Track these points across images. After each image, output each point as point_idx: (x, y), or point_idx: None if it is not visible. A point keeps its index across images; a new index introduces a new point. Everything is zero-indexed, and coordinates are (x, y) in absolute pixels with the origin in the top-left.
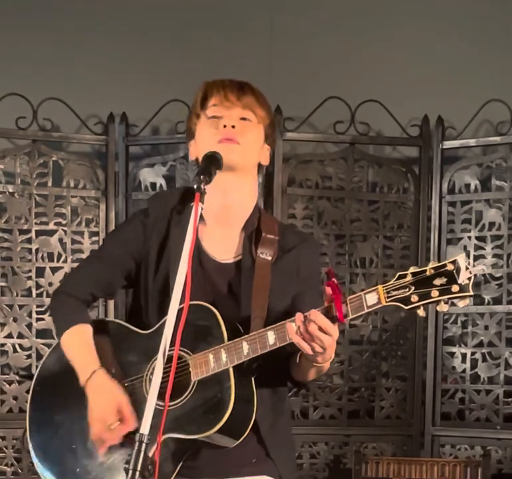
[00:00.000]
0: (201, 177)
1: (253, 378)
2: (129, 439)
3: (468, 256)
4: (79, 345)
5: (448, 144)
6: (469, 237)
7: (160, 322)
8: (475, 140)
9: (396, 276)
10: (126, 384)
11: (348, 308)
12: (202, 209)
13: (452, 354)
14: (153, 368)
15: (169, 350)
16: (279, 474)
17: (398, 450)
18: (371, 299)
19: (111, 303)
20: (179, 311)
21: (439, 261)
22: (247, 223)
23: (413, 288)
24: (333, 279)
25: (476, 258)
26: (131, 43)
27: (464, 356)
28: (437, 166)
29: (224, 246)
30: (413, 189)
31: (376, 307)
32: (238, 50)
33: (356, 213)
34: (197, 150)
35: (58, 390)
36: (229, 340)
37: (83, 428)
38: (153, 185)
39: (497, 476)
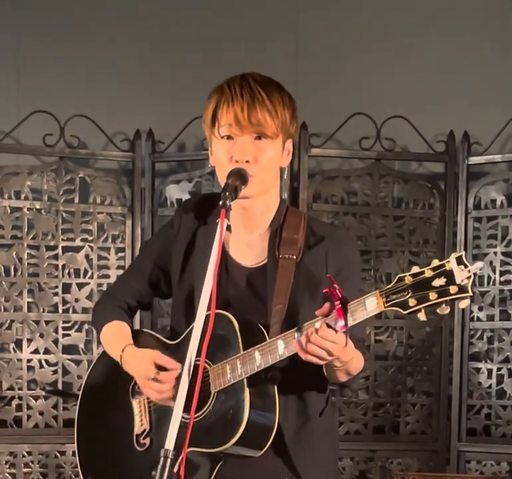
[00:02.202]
0: (227, 193)
1: (275, 386)
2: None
3: (494, 272)
4: (112, 335)
5: (474, 160)
6: (495, 253)
7: (185, 333)
8: (501, 155)
9: (396, 279)
10: None
11: (348, 315)
12: (228, 224)
13: (478, 369)
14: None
15: (195, 361)
16: None
17: (424, 466)
18: (370, 304)
19: (137, 319)
20: (204, 321)
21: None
22: (271, 225)
23: (411, 291)
24: (335, 285)
25: (502, 273)
26: (157, 60)
27: (490, 371)
28: (462, 182)
29: (250, 251)
30: (439, 204)
31: (376, 313)
32: (264, 66)
33: (381, 228)
34: (214, 162)
35: (102, 404)
36: (251, 347)
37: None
38: (179, 201)
39: None
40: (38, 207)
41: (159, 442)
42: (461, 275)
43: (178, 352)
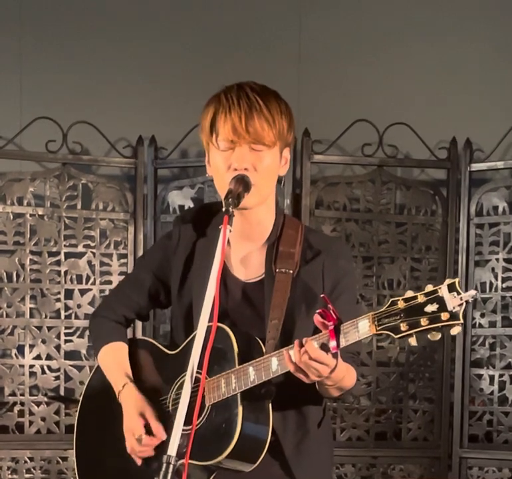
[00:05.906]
0: (230, 200)
1: (269, 401)
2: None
3: (496, 278)
4: (112, 362)
5: (476, 167)
6: (497, 259)
7: (184, 344)
8: (503, 162)
9: (389, 302)
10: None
11: (341, 337)
12: (230, 231)
13: (480, 376)
14: (176, 391)
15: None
16: None
17: (426, 472)
18: (363, 327)
19: (139, 325)
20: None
21: (466, 283)
22: (269, 238)
23: (403, 315)
24: (329, 306)
25: (504, 280)
26: (160, 66)
27: (492, 378)
28: (465, 188)
29: (248, 265)
30: (441, 211)
31: (368, 335)
32: (267, 73)
33: (383, 235)
34: (212, 171)
35: (101, 411)
36: (248, 362)
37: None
38: (182, 207)
39: None
40: (40, 213)
41: (153, 452)
42: (452, 302)
43: (176, 363)
